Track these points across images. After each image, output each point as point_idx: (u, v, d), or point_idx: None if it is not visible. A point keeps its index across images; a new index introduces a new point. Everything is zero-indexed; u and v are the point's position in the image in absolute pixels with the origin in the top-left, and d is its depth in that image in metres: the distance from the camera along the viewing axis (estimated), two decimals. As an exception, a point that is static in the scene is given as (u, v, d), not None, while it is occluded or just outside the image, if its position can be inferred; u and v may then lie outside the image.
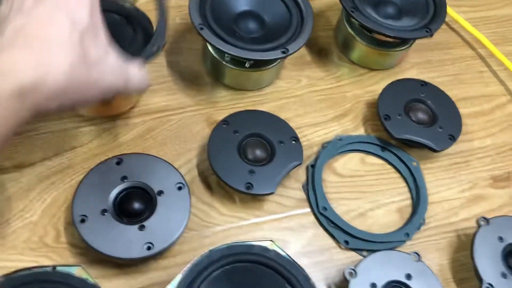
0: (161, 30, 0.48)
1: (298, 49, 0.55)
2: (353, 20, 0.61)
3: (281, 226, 0.54)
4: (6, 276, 0.39)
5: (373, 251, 0.53)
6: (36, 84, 0.33)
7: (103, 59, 0.38)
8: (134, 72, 0.42)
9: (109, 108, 0.56)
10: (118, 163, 0.50)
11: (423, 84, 0.63)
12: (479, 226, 0.53)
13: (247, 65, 0.58)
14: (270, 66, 0.60)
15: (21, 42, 0.34)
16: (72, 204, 0.47)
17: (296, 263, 0.43)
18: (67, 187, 0.52)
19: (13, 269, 0.47)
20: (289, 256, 0.43)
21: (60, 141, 0.55)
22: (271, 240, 0.44)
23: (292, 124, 0.58)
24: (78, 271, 0.41)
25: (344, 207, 0.56)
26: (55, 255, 0.48)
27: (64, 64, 0.35)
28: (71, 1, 0.37)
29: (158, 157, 0.52)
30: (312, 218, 0.55)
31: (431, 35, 0.60)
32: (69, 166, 0.54)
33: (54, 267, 0.40)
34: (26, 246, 0.49)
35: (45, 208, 0.51)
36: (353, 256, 0.53)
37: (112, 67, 0.39)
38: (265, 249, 0.44)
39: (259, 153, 0.54)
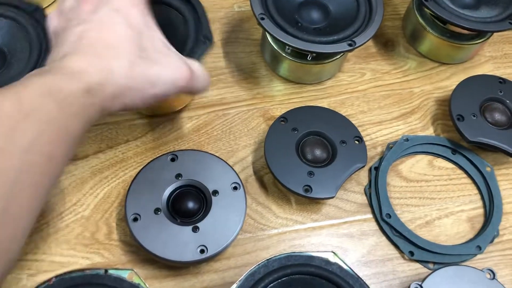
0: (205, 23, 0.48)
1: (367, 41, 0.51)
2: (426, 9, 0.56)
3: (340, 232, 0.50)
4: (58, 277, 0.38)
5: (440, 264, 0.49)
6: (101, 84, 0.35)
7: (163, 58, 0.38)
8: (196, 68, 0.41)
9: (163, 107, 0.54)
10: (172, 160, 0.48)
11: (502, 81, 0.57)
12: (563, 243, 0.47)
13: (309, 58, 0.54)
14: (334, 59, 0.56)
15: (85, 47, 0.37)
16: (125, 202, 0.46)
17: (360, 278, 0.40)
18: (120, 181, 0.51)
19: (65, 265, 0.46)
20: (353, 270, 0.40)
21: (114, 133, 0.54)
22: (333, 252, 0.41)
23: (354, 121, 0.54)
24: (129, 275, 0.39)
25: (410, 215, 0.52)
26: (106, 253, 0.47)
27: (125, 66, 0.36)
28: (125, 4, 0.39)
29: (214, 155, 0.49)
30: (374, 225, 0.51)
31: (515, 28, 0.54)
32: (122, 160, 0.52)
33: (106, 270, 0.39)
34: (78, 242, 0.48)
35: (98, 203, 0.50)
36: (418, 268, 0.49)
37: (174, 65, 0.40)
38: (327, 261, 0.40)
39: (319, 153, 0.51)
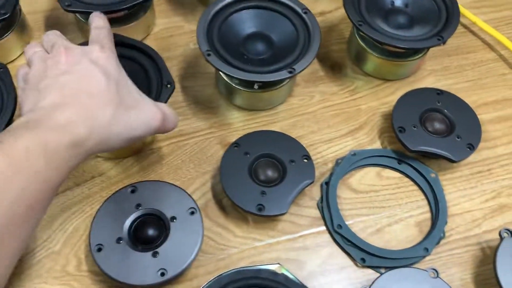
0: (166, 72, 0.55)
1: (305, 67, 0.55)
2: (361, 33, 0.61)
3: (295, 246, 0.54)
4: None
5: (391, 268, 0.52)
6: (87, 134, 0.39)
7: (138, 103, 0.43)
8: (166, 109, 0.45)
9: (127, 151, 0.59)
10: (132, 191, 0.52)
11: (439, 92, 0.61)
12: (501, 238, 0.51)
13: (256, 87, 0.59)
14: (280, 86, 0.60)
15: (70, 98, 0.40)
16: (89, 234, 0.49)
17: (304, 285, 0.43)
18: (87, 216, 0.54)
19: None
20: (298, 280, 0.43)
21: (80, 171, 0.57)
22: (279, 264, 0.44)
23: (305, 141, 0.58)
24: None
25: (361, 224, 0.55)
26: (76, 283, 0.51)
27: (108, 113, 0.40)
28: (102, 56, 0.43)
29: (171, 184, 0.53)
30: (327, 236, 0.55)
31: (444, 43, 0.59)
32: (88, 195, 0.56)
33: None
34: (49, 275, 0.51)
35: (67, 237, 0.53)
36: (371, 274, 0.52)
37: (148, 109, 0.44)
38: (274, 273, 0.44)
39: (270, 173, 0.55)
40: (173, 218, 0.50)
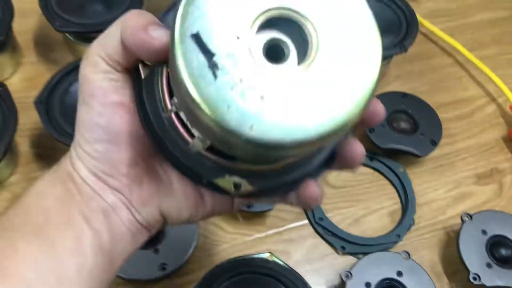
0: None
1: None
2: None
3: (282, 239, 0.59)
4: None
5: (368, 253, 0.58)
6: None
7: None
8: None
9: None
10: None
11: (403, 95, 0.68)
12: (463, 222, 0.57)
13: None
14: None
15: None
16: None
17: (293, 270, 0.48)
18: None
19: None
20: (287, 265, 0.49)
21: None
22: (270, 252, 0.49)
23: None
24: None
25: (339, 216, 0.61)
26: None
27: None
28: None
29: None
30: (310, 228, 0.60)
31: (406, 51, 0.66)
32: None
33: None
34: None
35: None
36: (351, 260, 0.58)
37: None
38: (265, 260, 0.49)
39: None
40: (170, 218, 0.55)
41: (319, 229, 0.60)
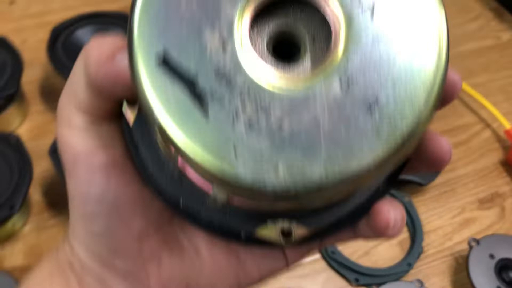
0: None
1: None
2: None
3: (296, 275, 0.60)
4: None
5: (382, 283, 0.59)
6: None
7: None
8: None
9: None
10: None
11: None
12: (470, 247, 0.59)
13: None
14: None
15: None
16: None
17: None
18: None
19: None
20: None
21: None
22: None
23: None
24: None
25: (350, 249, 0.63)
26: None
27: None
28: None
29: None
30: (323, 262, 0.61)
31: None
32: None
33: None
34: None
35: None
36: (365, 291, 0.60)
37: None
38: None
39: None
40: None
41: (332, 263, 0.61)
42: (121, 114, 0.22)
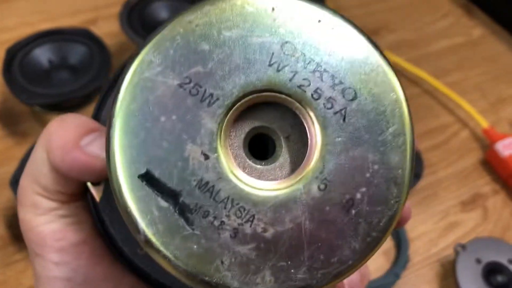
0: None
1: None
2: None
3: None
4: None
5: (369, 297, 0.57)
6: None
7: None
8: None
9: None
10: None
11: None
12: (457, 253, 0.58)
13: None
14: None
15: None
16: None
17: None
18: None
19: None
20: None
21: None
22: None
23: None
24: None
25: (335, 261, 0.61)
26: None
27: None
28: None
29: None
30: (307, 278, 0.59)
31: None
32: None
33: None
34: None
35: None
36: (352, 306, 0.57)
37: None
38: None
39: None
40: None
41: (317, 278, 0.59)
42: (86, 190, 0.22)
